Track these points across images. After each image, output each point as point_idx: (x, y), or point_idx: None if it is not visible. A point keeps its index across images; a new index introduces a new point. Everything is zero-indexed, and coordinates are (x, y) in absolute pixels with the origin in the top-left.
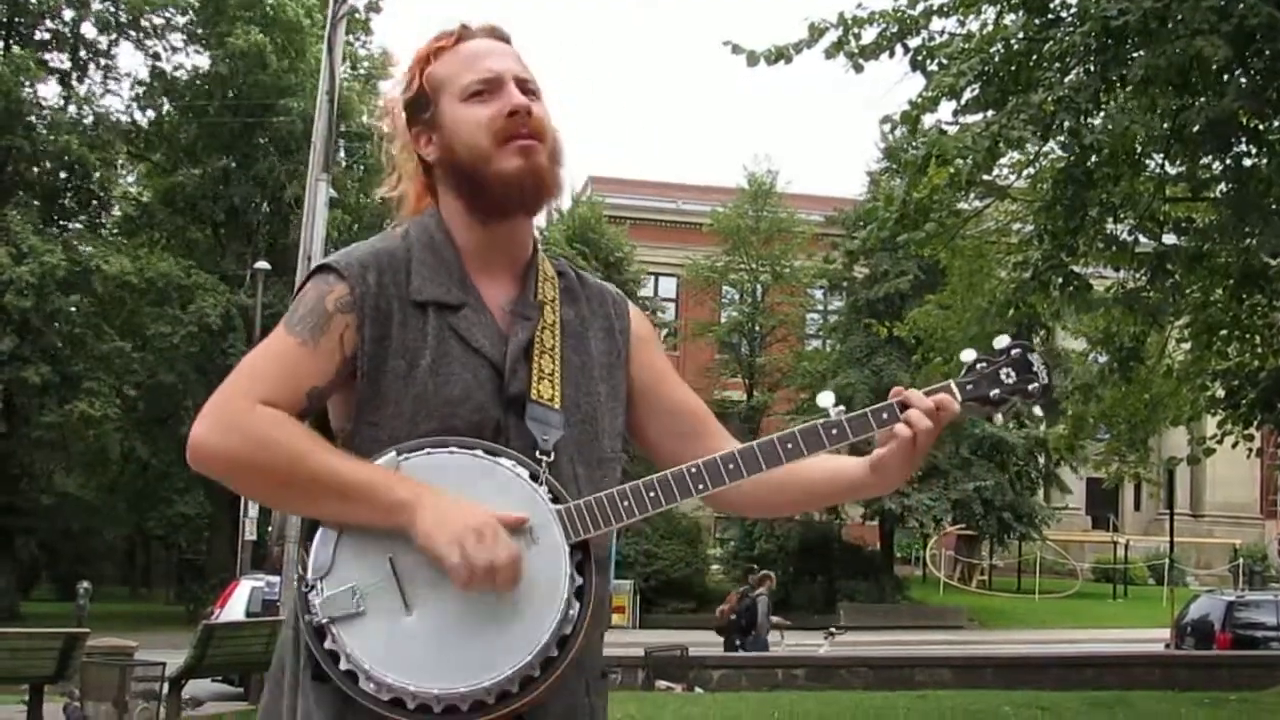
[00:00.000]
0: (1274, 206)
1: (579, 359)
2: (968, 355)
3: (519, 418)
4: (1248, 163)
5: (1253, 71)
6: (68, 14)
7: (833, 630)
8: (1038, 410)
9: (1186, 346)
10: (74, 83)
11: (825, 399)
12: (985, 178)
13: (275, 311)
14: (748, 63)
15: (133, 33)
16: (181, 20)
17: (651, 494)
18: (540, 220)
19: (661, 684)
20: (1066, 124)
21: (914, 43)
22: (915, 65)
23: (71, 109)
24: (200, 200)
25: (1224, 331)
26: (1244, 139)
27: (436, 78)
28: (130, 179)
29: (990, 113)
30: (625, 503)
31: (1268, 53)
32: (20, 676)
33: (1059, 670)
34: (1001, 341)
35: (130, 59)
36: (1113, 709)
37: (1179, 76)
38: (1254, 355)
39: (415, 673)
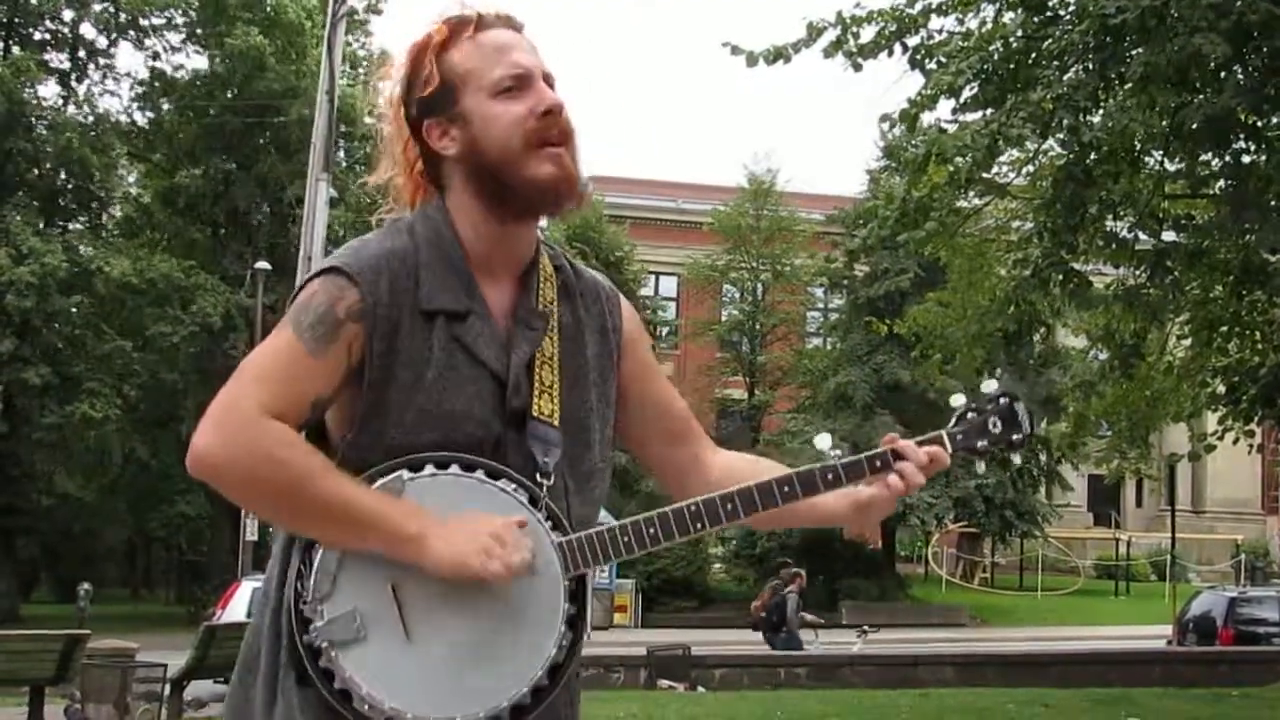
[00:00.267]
0: (1273, 203)
1: (574, 364)
2: (957, 401)
3: (519, 433)
4: (1246, 159)
5: (1251, 68)
6: (67, 14)
7: (866, 629)
8: (1016, 459)
9: (1187, 343)
10: (74, 83)
11: (822, 442)
12: (985, 176)
13: (276, 311)
14: (747, 63)
15: (132, 33)
16: (181, 20)
17: (651, 530)
18: (541, 219)
19: (664, 683)
20: (1066, 122)
21: (913, 41)
22: (914, 64)
23: (71, 109)
24: (200, 201)
25: (1224, 328)
26: (1243, 136)
27: (459, 69)
28: (131, 179)
29: (989, 111)
30: (625, 539)
31: (1266, 50)
32: (21, 679)
33: (1061, 668)
34: (990, 388)
35: (130, 59)
36: (1116, 706)
37: (1177, 74)
38: (1254, 351)
39: (413, 701)
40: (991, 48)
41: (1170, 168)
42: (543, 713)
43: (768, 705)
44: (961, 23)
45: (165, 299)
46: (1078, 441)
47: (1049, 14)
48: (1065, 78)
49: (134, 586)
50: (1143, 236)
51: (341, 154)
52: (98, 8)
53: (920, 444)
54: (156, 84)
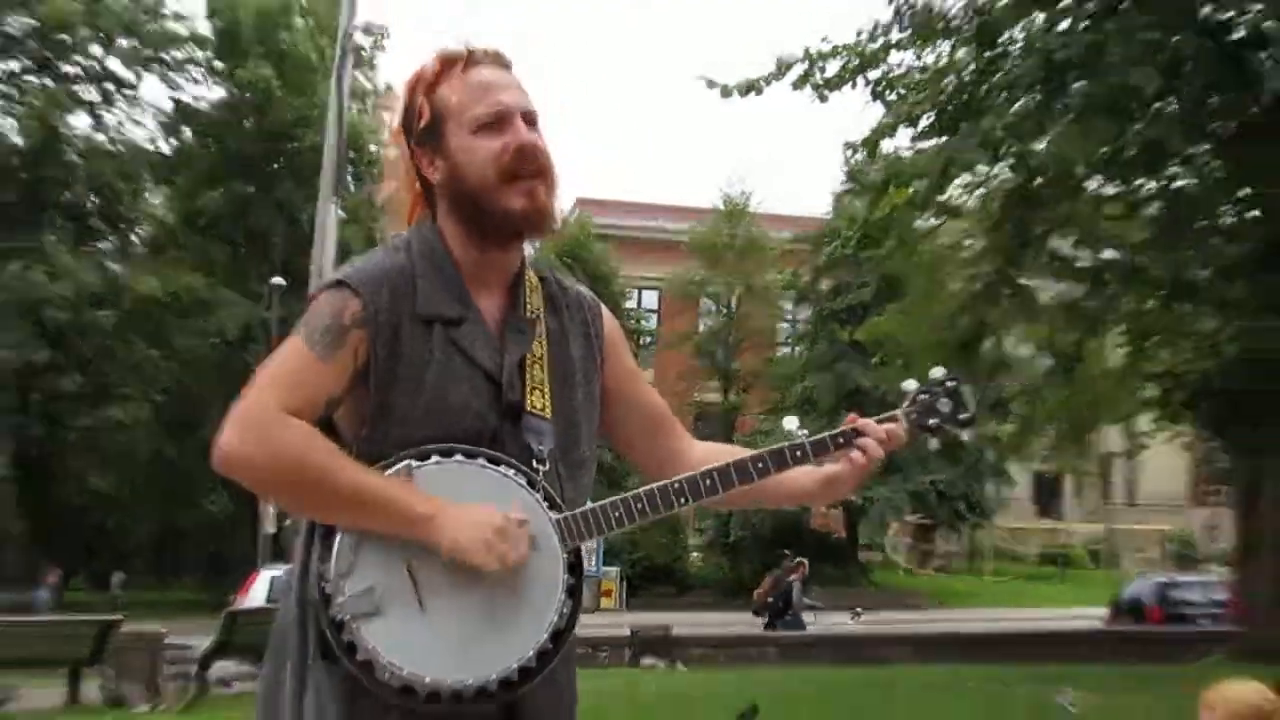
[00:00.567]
0: (1202, 224)
1: (562, 367)
2: (909, 385)
3: (514, 425)
4: (1179, 184)
5: (1182, 102)
6: (96, 50)
7: (858, 610)
8: (965, 435)
9: (1122, 352)
10: (102, 113)
11: (790, 423)
12: (939, 198)
13: (291, 323)
14: (721, 95)
15: (156, 66)
16: (200, 55)
17: (639, 506)
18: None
19: (646, 660)
20: (1013, 148)
21: (874, 75)
22: (875, 95)
23: (101, 137)
24: (221, 221)
25: (1156, 338)
26: (1175, 162)
27: (445, 104)
28: (156, 202)
29: (943, 138)
30: (616, 513)
31: (1197, 84)
32: (60, 660)
33: (1009, 646)
34: (937, 373)
35: (154, 91)
36: (1058, 680)
37: (1116, 105)
38: (1184, 360)
39: (428, 666)
40: (946, 80)
41: (1109, 191)
42: (544, 677)
43: (741, 681)
44: (919, 58)
45: (189, 312)
46: (1023, 444)
47: (998, 50)
48: (1013, 108)
49: (162, 576)
50: (1083, 255)
51: (350, 178)
52: (124, 44)
53: (879, 422)
54: (178, 114)
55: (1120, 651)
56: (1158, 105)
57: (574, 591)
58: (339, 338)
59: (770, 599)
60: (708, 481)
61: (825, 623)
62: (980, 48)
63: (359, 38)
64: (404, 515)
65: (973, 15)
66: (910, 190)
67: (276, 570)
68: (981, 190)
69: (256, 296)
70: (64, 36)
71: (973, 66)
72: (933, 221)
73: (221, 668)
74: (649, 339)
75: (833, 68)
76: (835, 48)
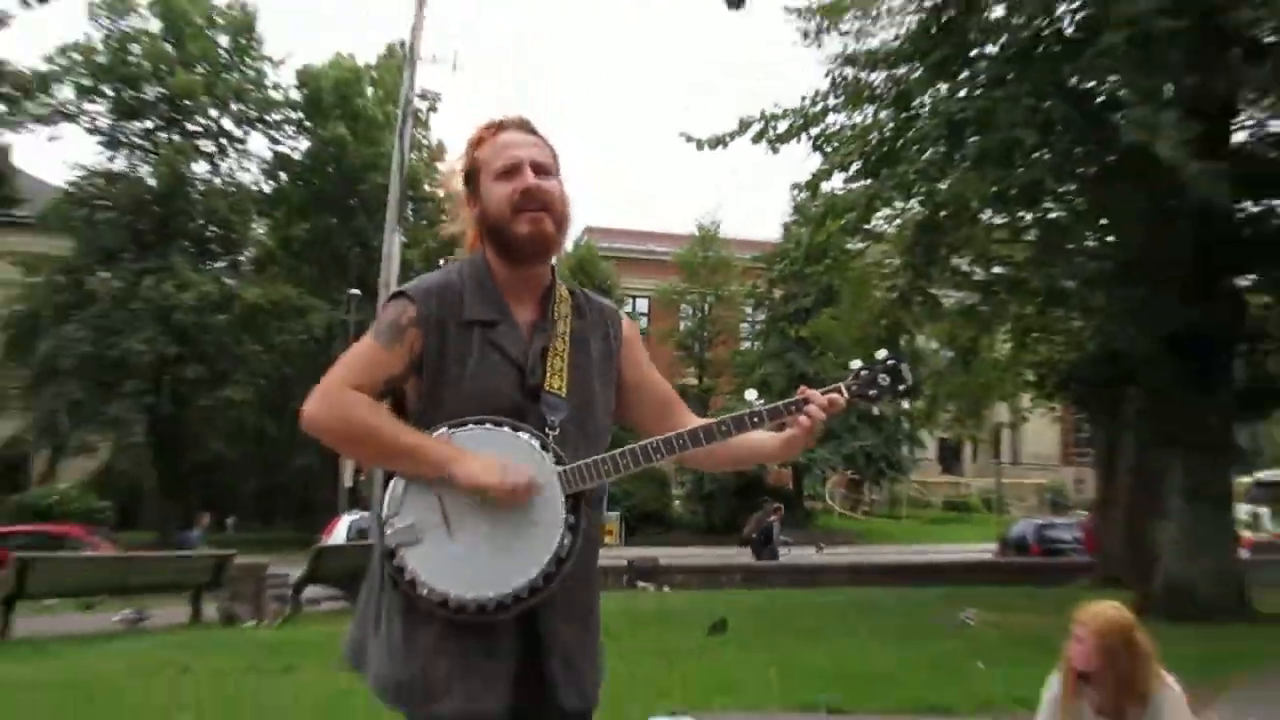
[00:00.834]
0: (1070, 247)
1: (581, 359)
2: (855, 364)
3: (534, 402)
4: (1052, 215)
5: (1055, 151)
6: (213, 113)
7: (821, 545)
8: (905, 404)
9: (1008, 346)
10: (218, 161)
11: (750, 395)
12: (865, 227)
13: (364, 325)
14: (696, 148)
15: (259, 125)
16: (293, 115)
17: (624, 460)
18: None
19: (640, 584)
20: (923, 189)
21: (815, 131)
22: (816, 147)
23: (217, 181)
24: (310, 246)
25: (1035, 335)
26: (1049, 198)
27: (479, 159)
28: (260, 230)
29: (869, 181)
30: (606, 466)
31: (1066, 138)
32: (186, 585)
33: (921, 573)
34: (882, 353)
35: (257, 143)
36: (960, 600)
37: (1002, 155)
38: (1056, 352)
39: (456, 584)
40: (870, 136)
41: (997, 221)
42: (564, 596)
43: (713, 599)
44: (849, 118)
45: (285, 316)
46: (931, 416)
47: (911, 113)
48: (922, 157)
49: (265, 520)
50: (977, 270)
51: (409, 211)
52: (235, 108)
53: (824, 393)
54: (276, 162)
55: (1007, 578)
56: (1035, 154)
57: (574, 528)
58: (398, 334)
59: (754, 535)
60: (680, 440)
61: (796, 554)
62: (897, 111)
63: (417, 102)
64: (431, 458)
65: (892, 86)
66: (842, 220)
67: (353, 516)
68: (898, 220)
69: (337, 304)
70: (188, 102)
71: (891, 125)
72: (860, 245)
73: (311, 592)
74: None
75: (782, 126)
76: (785, 110)
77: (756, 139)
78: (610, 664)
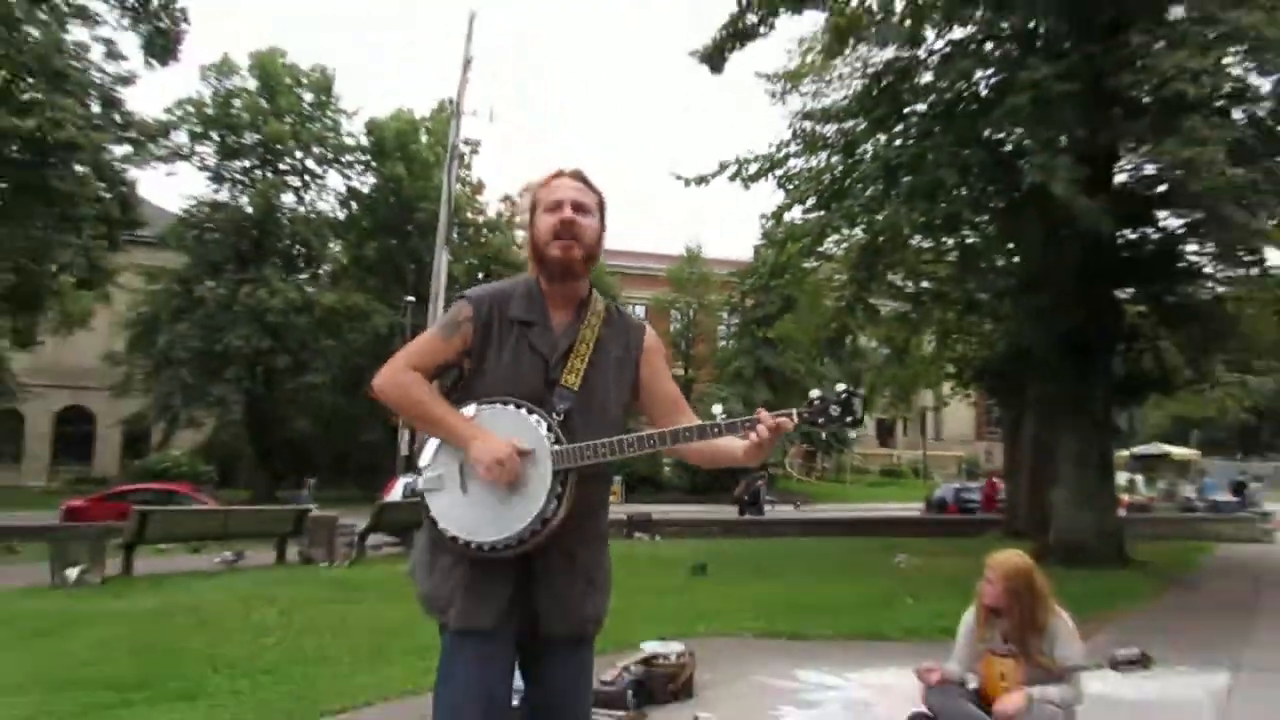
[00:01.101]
0: (984, 266)
1: (599, 360)
2: (814, 392)
3: (550, 391)
4: (969, 240)
5: (971, 190)
6: (298, 154)
7: (798, 503)
8: (851, 434)
9: (933, 345)
10: (302, 194)
11: (716, 409)
12: (819, 250)
13: (418, 325)
14: (684, 185)
15: (335, 164)
16: (362, 157)
17: (603, 449)
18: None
19: (637, 535)
20: (865, 219)
21: (779, 173)
22: (780, 185)
23: (301, 209)
24: (376, 263)
25: (954, 336)
26: (967, 227)
27: (538, 197)
28: (336, 248)
29: (822, 212)
30: (588, 451)
31: (981, 179)
32: (272, 533)
33: (862, 526)
34: (840, 386)
35: (334, 179)
36: (894, 548)
37: (930, 192)
38: (972, 350)
39: (465, 527)
40: (823, 177)
41: (925, 245)
42: (558, 546)
43: (697, 548)
44: (807, 162)
45: (355, 318)
46: (870, 401)
47: (856, 158)
48: (865, 194)
49: (337, 481)
50: (909, 284)
51: (455, 234)
52: (316, 151)
53: (775, 416)
54: (349, 194)
55: (931, 531)
56: (956, 192)
57: (560, 497)
58: (455, 328)
59: (745, 496)
60: (651, 439)
61: (779, 511)
62: (845, 157)
63: (462, 147)
64: (456, 434)
65: (841, 136)
66: (800, 244)
67: (408, 478)
68: (845, 244)
69: (396, 309)
70: (279, 146)
71: (840, 168)
72: (814, 264)
73: (373, 539)
74: None
75: (753, 168)
76: (755, 155)
77: (732, 178)
78: (612, 600)
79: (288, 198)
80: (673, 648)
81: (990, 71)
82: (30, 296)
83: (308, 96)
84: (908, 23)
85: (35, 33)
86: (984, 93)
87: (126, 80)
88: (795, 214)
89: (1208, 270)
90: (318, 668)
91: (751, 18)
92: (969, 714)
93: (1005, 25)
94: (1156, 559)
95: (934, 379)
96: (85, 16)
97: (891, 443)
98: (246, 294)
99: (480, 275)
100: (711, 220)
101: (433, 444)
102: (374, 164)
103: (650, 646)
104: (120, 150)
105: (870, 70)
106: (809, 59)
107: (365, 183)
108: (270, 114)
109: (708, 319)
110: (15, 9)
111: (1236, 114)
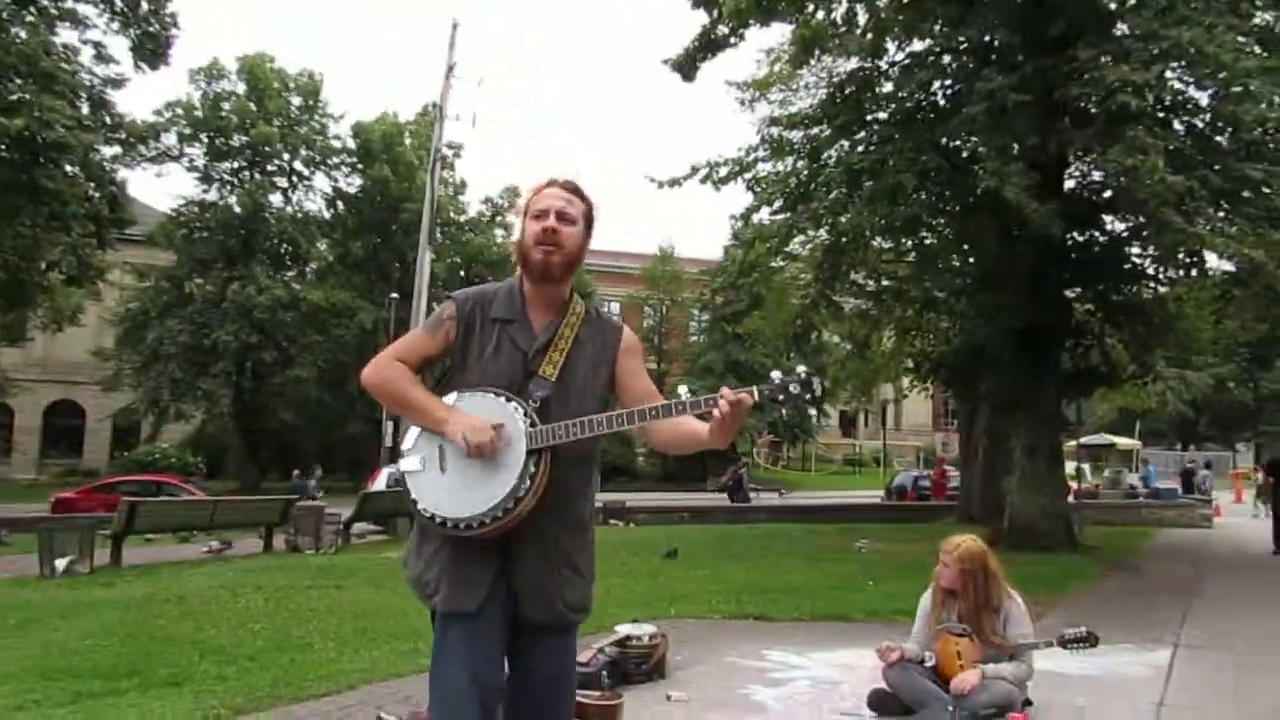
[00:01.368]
0: (941, 265)
1: (577, 355)
2: (775, 374)
3: (528, 382)
4: (928, 241)
5: (929, 193)
6: (285, 156)
7: (780, 491)
8: (812, 412)
9: (893, 341)
10: (290, 194)
11: (682, 389)
12: (785, 250)
13: (402, 321)
14: (657, 187)
15: (322, 166)
16: (348, 159)
17: (574, 428)
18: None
19: (612, 521)
20: (829, 220)
21: (748, 176)
22: (748, 188)
23: (288, 209)
24: (361, 260)
25: (913, 332)
26: (925, 229)
27: (528, 204)
28: (322, 247)
29: (788, 214)
30: (560, 431)
31: (938, 183)
32: (259, 522)
33: (826, 512)
34: (801, 368)
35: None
36: (857, 532)
37: (890, 195)
38: (929, 345)
39: (443, 505)
40: (790, 180)
41: (886, 246)
42: (534, 529)
43: (668, 533)
44: (774, 166)
45: (340, 314)
46: (834, 393)
47: (821, 163)
48: (829, 196)
49: (323, 472)
50: (870, 283)
51: (438, 234)
52: (303, 153)
53: (735, 392)
54: (335, 194)
55: (891, 516)
56: (915, 195)
57: (533, 476)
58: (439, 324)
59: (729, 483)
60: (620, 418)
61: (762, 498)
62: (810, 161)
63: (445, 150)
64: (432, 416)
65: (806, 142)
66: (768, 244)
67: (391, 468)
68: (810, 245)
69: (381, 305)
70: (267, 148)
71: (806, 172)
72: (781, 263)
73: (358, 527)
74: None
75: (723, 171)
76: (725, 159)
77: (703, 181)
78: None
79: (275, 198)
80: (645, 630)
81: (948, 82)
82: (19, 293)
83: (295, 100)
84: (869, 35)
85: (22, 34)
86: (941, 102)
87: (116, 83)
88: (763, 215)
89: (1150, 271)
90: (303, 653)
91: (722, 29)
92: (927, 690)
93: (962, 39)
94: (1103, 543)
95: (894, 373)
96: (74, 20)
97: (854, 433)
98: (235, 291)
99: (462, 273)
100: (696, 220)
101: (414, 431)
102: (360, 166)
103: (624, 629)
104: (110, 151)
105: (834, 80)
106: (776, 68)
107: (351, 184)
108: (258, 117)
109: (679, 315)
110: (1, 10)
111: (1176, 125)
